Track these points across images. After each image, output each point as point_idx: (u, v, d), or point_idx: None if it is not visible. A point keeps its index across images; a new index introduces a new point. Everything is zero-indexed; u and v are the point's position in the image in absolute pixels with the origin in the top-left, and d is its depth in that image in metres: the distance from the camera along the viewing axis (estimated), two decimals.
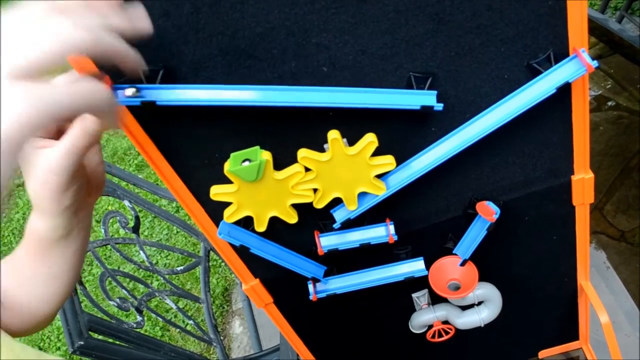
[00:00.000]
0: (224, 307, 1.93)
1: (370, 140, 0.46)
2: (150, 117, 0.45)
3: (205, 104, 0.43)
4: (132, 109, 0.44)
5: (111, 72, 0.42)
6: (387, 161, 0.48)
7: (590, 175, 0.55)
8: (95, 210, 2.62)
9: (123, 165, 2.83)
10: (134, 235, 1.30)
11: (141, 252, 1.30)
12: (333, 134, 0.46)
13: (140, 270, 2.08)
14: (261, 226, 0.51)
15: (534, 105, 0.47)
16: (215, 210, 0.52)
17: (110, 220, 1.30)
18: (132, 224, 1.31)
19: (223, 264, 2.02)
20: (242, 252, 0.55)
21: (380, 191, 0.49)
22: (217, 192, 0.47)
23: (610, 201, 1.04)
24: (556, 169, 0.54)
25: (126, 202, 1.31)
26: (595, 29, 1.32)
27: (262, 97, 0.43)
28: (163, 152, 0.48)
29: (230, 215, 0.49)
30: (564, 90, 0.48)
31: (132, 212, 1.32)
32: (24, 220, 2.86)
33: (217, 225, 0.53)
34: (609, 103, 1.23)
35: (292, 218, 0.51)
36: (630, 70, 1.28)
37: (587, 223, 0.60)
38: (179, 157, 0.48)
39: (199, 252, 1.53)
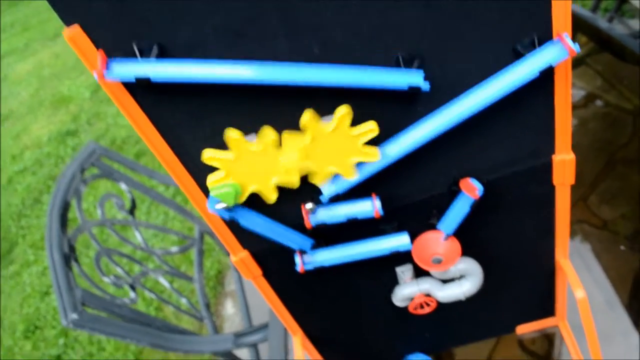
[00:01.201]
0: (217, 289, 1.96)
1: (343, 112, 0.48)
2: (144, 93, 0.47)
3: (197, 81, 0.45)
4: (126, 84, 0.46)
5: (105, 47, 0.44)
6: (369, 127, 0.49)
7: (571, 156, 0.57)
8: (92, 192, 2.64)
9: None
10: (130, 217, 1.32)
11: (136, 232, 1.32)
12: (306, 115, 0.47)
13: (136, 253, 2.10)
14: (242, 198, 0.52)
15: (518, 88, 0.49)
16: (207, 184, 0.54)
17: (107, 203, 1.31)
18: (128, 206, 1.33)
19: (217, 247, 2.04)
20: (231, 224, 0.57)
21: (374, 158, 0.51)
22: (212, 155, 0.49)
23: (594, 192, 1.06)
24: (538, 149, 0.56)
25: (122, 185, 1.33)
26: (586, 27, 1.33)
27: (255, 74, 0.45)
28: (156, 127, 0.49)
29: (214, 182, 0.50)
30: (547, 74, 0.50)
31: (129, 195, 1.34)
32: (22, 205, 2.88)
33: (208, 198, 0.54)
34: (598, 100, 1.24)
35: (271, 196, 0.52)
36: (620, 68, 1.30)
37: (567, 203, 0.62)
38: (172, 131, 0.50)
39: (194, 235, 1.55)
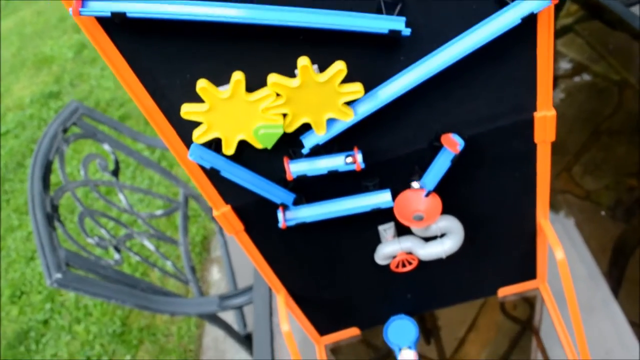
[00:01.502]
0: (202, 255, 1.97)
1: (339, 68, 0.48)
2: (121, 31, 0.46)
3: (177, 18, 0.44)
4: (102, 22, 0.45)
5: None
6: (355, 88, 0.49)
7: (553, 112, 0.57)
8: (75, 156, 2.62)
9: None
10: (113, 178, 1.31)
11: (120, 195, 1.31)
12: (303, 61, 0.47)
13: (121, 216, 2.10)
14: (229, 149, 0.52)
15: (501, 39, 0.48)
16: (187, 133, 0.53)
17: (91, 167, 1.30)
18: (111, 167, 1.32)
19: (203, 213, 2.04)
20: (213, 175, 0.57)
21: (348, 117, 0.51)
22: (188, 110, 0.48)
23: (578, 162, 1.06)
24: (520, 105, 0.56)
25: (106, 146, 1.32)
26: None
27: (233, 14, 0.44)
28: (134, 70, 0.48)
29: (199, 136, 0.50)
30: (530, 26, 0.50)
31: (113, 156, 1.32)
32: (5, 169, 2.84)
33: (188, 148, 0.54)
34: (586, 70, 1.24)
35: (259, 143, 0.52)
36: (608, 37, 1.30)
37: (548, 161, 0.62)
38: (150, 75, 0.49)
39: (179, 199, 1.54)
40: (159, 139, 1.45)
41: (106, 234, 1.20)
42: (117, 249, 1.19)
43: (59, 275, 0.96)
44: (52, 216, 1.04)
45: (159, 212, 1.41)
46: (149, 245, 1.29)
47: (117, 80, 3.16)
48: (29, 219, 2.51)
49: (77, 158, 2.58)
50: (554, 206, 0.98)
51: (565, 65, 1.27)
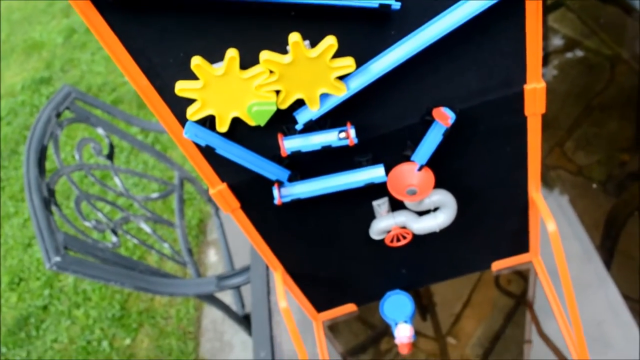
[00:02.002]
0: (199, 238, 1.98)
1: (330, 42, 0.48)
2: (114, 10, 0.46)
3: None
4: (95, 2, 0.45)
5: None
6: (347, 63, 0.50)
7: (542, 84, 0.57)
8: (69, 142, 2.61)
9: None
10: (108, 162, 1.31)
11: (116, 178, 1.32)
12: (294, 37, 0.48)
13: (117, 200, 2.10)
14: (223, 126, 0.53)
15: (490, 12, 0.49)
16: (181, 111, 0.54)
17: (85, 152, 1.29)
18: (106, 151, 1.32)
19: (198, 196, 2.05)
20: (208, 153, 0.57)
21: (341, 92, 0.52)
22: (183, 87, 0.49)
23: (570, 138, 1.07)
24: (510, 78, 0.57)
25: (100, 130, 1.32)
26: None
27: None
28: (128, 49, 0.48)
29: (193, 113, 0.51)
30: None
31: (107, 140, 1.32)
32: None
33: (183, 126, 0.54)
34: (577, 46, 1.24)
35: (252, 120, 0.53)
36: (600, 12, 1.30)
37: (538, 134, 0.63)
38: (144, 54, 0.49)
39: (174, 182, 1.54)
40: (152, 122, 1.45)
41: (103, 217, 1.21)
42: (115, 232, 1.20)
43: (57, 259, 0.96)
44: (49, 200, 1.05)
45: (154, 195, 1.42)
46: (146, 227, 1.30)
47: (108, 64, 3.13)
48: (26, 205, 2.51)
49: (71, 144, 2.57)
50: (547, 182, 0.99)
51: (557, 41, 1.27)
